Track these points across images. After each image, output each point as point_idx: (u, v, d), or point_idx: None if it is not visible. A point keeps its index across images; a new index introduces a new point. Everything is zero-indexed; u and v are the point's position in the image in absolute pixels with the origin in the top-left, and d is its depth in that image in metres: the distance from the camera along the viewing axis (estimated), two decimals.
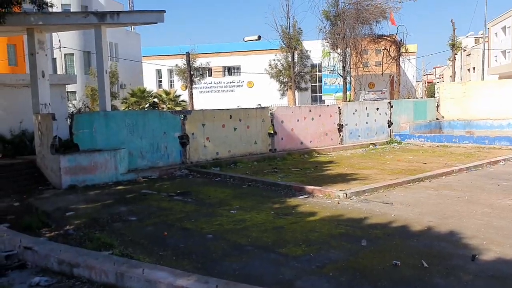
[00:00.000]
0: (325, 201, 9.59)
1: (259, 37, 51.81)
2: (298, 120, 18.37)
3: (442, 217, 7.95)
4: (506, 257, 5.97)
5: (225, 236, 7.21)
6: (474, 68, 54.92)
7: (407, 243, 6.63)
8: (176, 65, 41.73)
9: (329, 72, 36.34)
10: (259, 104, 36.68)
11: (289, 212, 8.71)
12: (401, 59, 31.80)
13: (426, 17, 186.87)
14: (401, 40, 30.81)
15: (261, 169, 14.21)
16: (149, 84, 45.58)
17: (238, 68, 50.31)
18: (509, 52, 45.00)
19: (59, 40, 35.07)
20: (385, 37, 30.93)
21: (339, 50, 30.69)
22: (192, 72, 34.93)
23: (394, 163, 14.84)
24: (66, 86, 19.80)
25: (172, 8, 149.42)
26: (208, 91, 49.90)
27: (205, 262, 6.07)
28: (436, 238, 6.86)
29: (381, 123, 21.69)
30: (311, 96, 48.34)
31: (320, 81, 48.43)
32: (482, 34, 47.25)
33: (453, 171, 12.70)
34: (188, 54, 34.26)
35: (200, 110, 17.69)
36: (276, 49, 38.83)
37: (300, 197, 10.04)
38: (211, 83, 50.08)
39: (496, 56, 49.09)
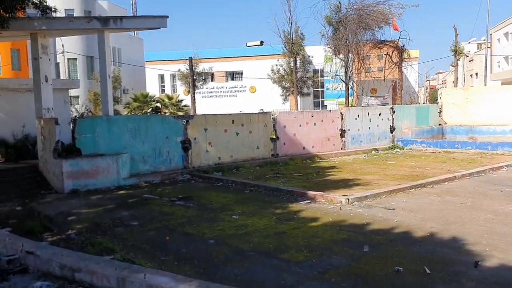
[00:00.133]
0: (327, 206, 9.57)
1: (262, 43, 52.20)
2: (300, 125, 18.37)
3: (445, 223, 7.92)
4: (509, 264, 5.94)
5: (227, 241, 7.20)
6: (476, 74, 54.88)
7: (409, 249, 6.61)
8: (179, 70, 41.87)
9: (331, 78, 36.36)
10: (262, 109, 36.68)
11: (291, 217, 8.70)
12: (403, 64, 31.80)
13: (429, 23, 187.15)
14: (403, 46, 30.82)
15: (263, 174, 14.20)
16: (152, 89, 45.73)
17: (240, 73, 50.42)
18: None
19: (62, 45, 35.22)
20: (388, 43, 30.94)
21: (341, 56, 30.69)
22: (194, 77, 35.06)
23: (396, 168, 14.81)
24: (69, 90, 19.89)
25: (175, 13, 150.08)
26: (211, 96, 50.02)
27: (207, 268, 6.06)
28: (439, 244, 6.83)
29: (383, 129, 21.67)
30: (313, 101, 48.37)
31: (322, 86, 48.50)
32: (484, 40, 47.32)
33: (455, 177, 12.67)
34: (190, 59, 34.41)
35: (202, 115, 17.74)
36: (279, 54, 38.90)
37: (302, 202, 10.02)
38: (213, 88, 50.20)
39: (499, 62, 49.07)
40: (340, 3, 29.90)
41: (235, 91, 50.72)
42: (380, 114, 21.58)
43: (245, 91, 50.32)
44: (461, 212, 8.74)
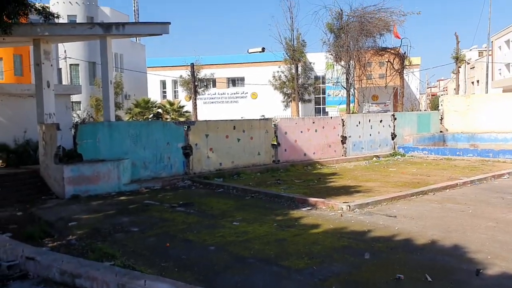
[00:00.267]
0: (328, 213, 9.55)
1: (263, 49, 52.36)
2: (301, 132, 18.38)
3: (446, 231, 7.89)
4: (511, 272, 5.90)
5: (227, 248, 7.18)
6: (478, 81, 54.98)
7: (410, 257, 6.58)
8: (181, 76, 41.95)
9: (333, 84, 36.44)
10: (263, 116, 36.77)
11: (292, 224, 8.67)
12: (404, 71, 31.84)
13: (430, 30, 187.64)
14: (404, 53, 30.89)
15: (264, 181, 14.19)
16: (154, 94, 45.80)
17: (242, 79, 50.53)
18: None
19: (65, 51, 35.38)
20: (389, 50, 31.03)
21: (342, 63, 30.78)
22: (196, 83, 35.09)
23: (397, 175, 14.79)
24: (71, 96, 19.94)
25: (177, 20, 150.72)
26: (212, 102, 50.13)
27: (207, 274, 6.04)
28: (440, 252, 6.80)
29: (384, 136, 21.67)
30: (315, 107, 48.45)
31: (324, 93, 48.60)
32: (485, 47, 47.38)
33: (457, 184, 12.64)
34: (192, 65, 34.47)
35: (203, 121, 17.74)
36: (280, 61, 38.98)
37: (303, 209, 10.00)
38: (215, 94, 50.31)
39: (500, 69, 49.16)
40: (341, 10, 30.10)
41: (237, 97, 50.82)
42: (381, 121, 21.59)
43: (247, 97, 50.41)
44: (462, 220, 8.71)
